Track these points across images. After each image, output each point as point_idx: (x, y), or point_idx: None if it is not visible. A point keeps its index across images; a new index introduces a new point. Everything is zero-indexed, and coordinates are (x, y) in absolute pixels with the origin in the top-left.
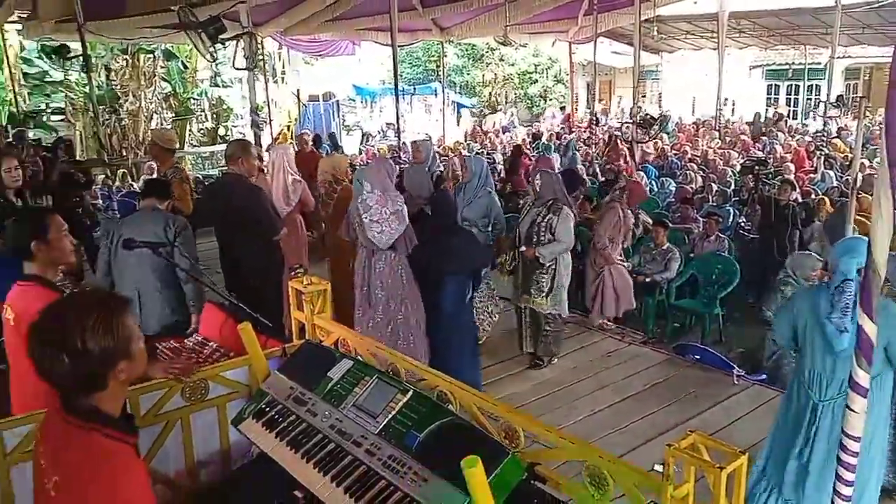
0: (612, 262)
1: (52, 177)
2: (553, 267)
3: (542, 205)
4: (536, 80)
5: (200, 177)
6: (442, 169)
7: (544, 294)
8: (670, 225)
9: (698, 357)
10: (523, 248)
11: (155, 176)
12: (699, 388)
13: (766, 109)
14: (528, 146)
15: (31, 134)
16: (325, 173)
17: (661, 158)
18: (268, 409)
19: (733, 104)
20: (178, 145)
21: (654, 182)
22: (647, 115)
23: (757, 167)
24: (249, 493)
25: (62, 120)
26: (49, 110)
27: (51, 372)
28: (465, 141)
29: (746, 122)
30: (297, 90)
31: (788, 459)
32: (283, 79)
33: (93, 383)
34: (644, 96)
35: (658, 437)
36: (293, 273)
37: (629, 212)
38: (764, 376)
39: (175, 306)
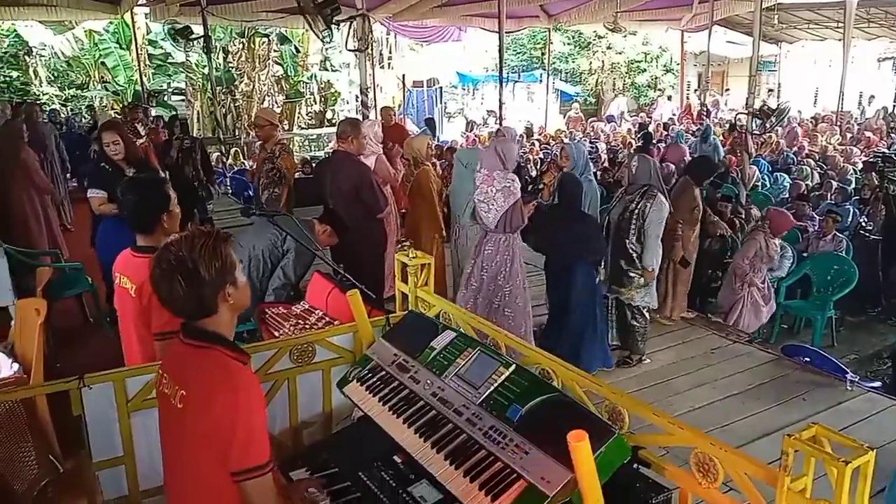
0: (754, 284)
1: (169, 153)
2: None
3: (635, 191)
4: (645, 70)
5: (308, 157)
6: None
7: (633, 285)
8: None
9: (808, 360)
10: (650, 270)
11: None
12: (808, 391)
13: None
14: (634, 136)
15: (153, 112)
16: (408, 155)
17: (776, 153)
18: (372, 374)
19: (870, 99)
20: (281, 123)
21: (766, 176)
22: (764, 105)
23: (882, 164)
24: (350, 455)
25: (182, 100)
26: (170, 90)
27: (171, 298)
28: (567, 129)
29: (883, 119)
30: (403, 76)
31: None
32: (389, 64)
33: (205, 307)
34: (771, 90)
35: (761, 438)
36: (400, 246)
37: (772, 241)
38: (879, 384)
39: None
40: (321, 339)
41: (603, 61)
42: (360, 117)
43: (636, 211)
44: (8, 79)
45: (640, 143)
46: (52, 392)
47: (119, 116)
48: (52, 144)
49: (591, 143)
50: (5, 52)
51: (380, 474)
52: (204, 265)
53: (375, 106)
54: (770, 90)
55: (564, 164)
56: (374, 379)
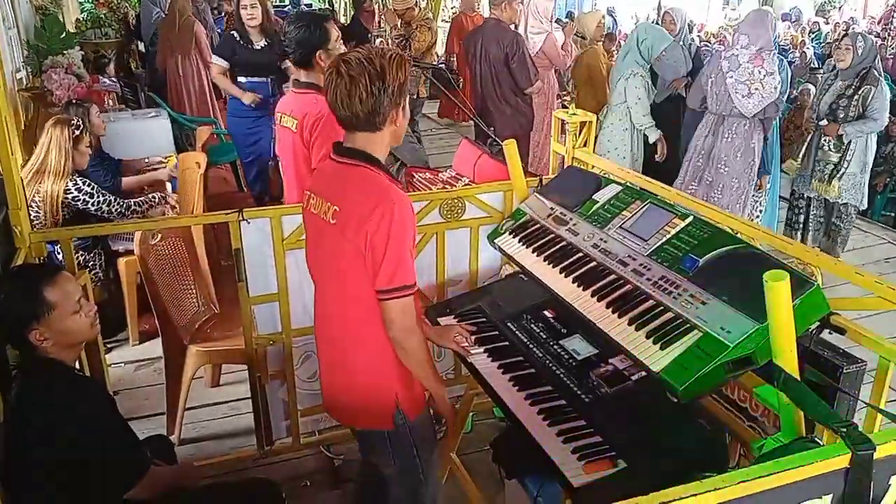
0: None
1: None
2: (852, 147)
3: (852, 75)
4: None
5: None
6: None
7: (839, 179)
8: None
9: None
10: (823, 123)
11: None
12: None
13: None
14: (809, 37)
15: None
16: (578, 31)
17: None
18: (525, 227)
19: None
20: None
21: None
22: None
23: None
24: (498, 307)
25: None
26: None
27: (348, 97)
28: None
29: None
30: None
31: None
32: None
33: (375, 118)
34: None
35: None
36: (560, 102)
37: None
38: None
39: None
40: (471, 196)
41: None
42: None
43: (855, 97)
44: None
45: None
46: (214, 223)
47: None
48: (210, 21)
49: None
50: None
51: (530, 326)
52: (391, 73)
53: None
54: None
55: (670, 29)
56: (528, 231)
